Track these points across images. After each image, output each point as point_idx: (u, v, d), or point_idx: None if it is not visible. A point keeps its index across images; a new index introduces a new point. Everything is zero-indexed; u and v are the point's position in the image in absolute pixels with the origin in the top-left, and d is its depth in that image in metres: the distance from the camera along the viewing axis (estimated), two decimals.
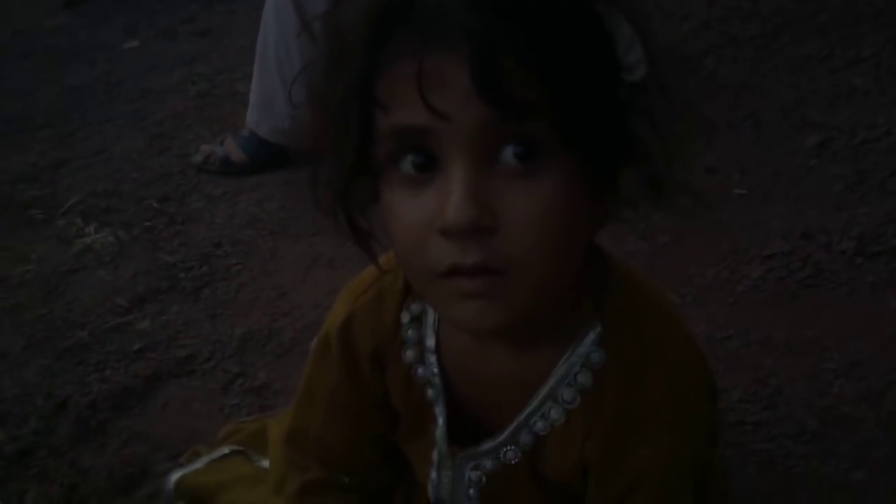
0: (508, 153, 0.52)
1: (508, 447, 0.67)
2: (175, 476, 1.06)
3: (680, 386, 0.64)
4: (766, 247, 1.36)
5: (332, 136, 0.57)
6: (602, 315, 0.63)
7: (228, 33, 2.76)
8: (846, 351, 1.13)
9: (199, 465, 1.07)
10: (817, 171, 1.52)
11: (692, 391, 0.65)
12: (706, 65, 1.94)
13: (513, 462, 0.68)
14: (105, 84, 2.60)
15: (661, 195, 0.57)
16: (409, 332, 0.69)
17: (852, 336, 1.16)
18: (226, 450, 1.07)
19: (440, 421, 0.70)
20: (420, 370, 0.70)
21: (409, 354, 0.69)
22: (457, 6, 0.51)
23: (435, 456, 0.71)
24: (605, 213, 0.59)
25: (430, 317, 0.69)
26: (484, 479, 0.70)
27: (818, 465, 0.99)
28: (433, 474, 0.72)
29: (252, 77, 1.88)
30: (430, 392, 0.70)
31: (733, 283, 1.31)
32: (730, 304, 1.28)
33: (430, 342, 0.69)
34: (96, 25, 3.13)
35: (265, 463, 1.02)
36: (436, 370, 0.69)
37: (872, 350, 1.13)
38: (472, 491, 0.71)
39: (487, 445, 0.68)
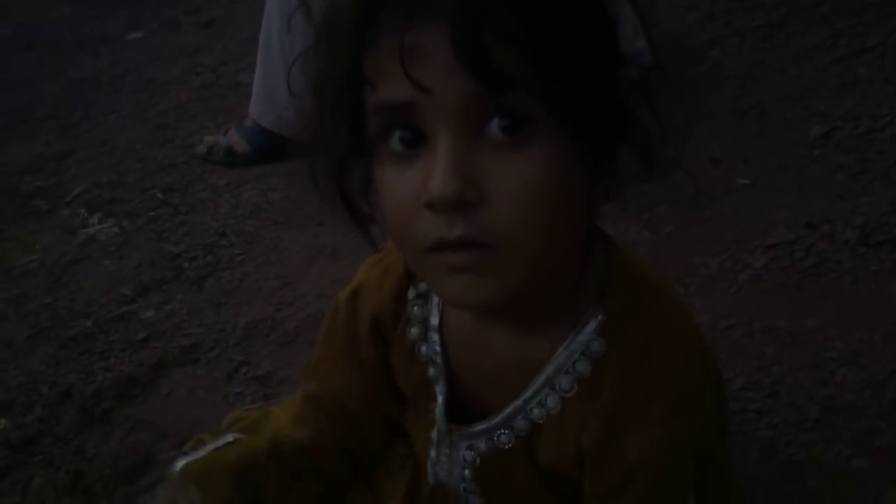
0: (494, 126, 0.52)
1: (502, 431, 0.67)
2: (180, 463, 1.06)
3: (681, 377, 0.63)
4: (770, 236, 1.35)
5: (327, 119, 0.57)
6: (604, 303, 0.63)
7: (232, 24, 2.76)
8: (849, 340, 1.13)
9: (203, 452, 1.07)
10: (821, 160, 1.51)
11: (693, 382, 0.64)
12: (711, 55, 1.93)
13: (507, 446, 0.68)
14: (109, 75, 2.61)
15: (656, 173, 0.58)
16: (415, 308, 0.70)
17: (855, 325, 1.15)
18: (230, 437, 1.08)
19: (440, 399, 0.70)
20: (423, 348, 0.70)
21: (414, 332, 0.70)
22: None
23: (434, 434, 0.72)
24: (605, 191, 0.58)
25: (436, 296, 0.69)
26: (478, 460, 0.70)
27: (820, 453, 0.99)
28: (432, 453, 0.73)
29: (255, 67, 1.88)
30: (431, 370, 0.70)
31: (736, 273, 1.31)
32: (733, 293, 1.27)
33: (434, 320, 0.70)
34: (100, 17, 3.13)
35: None
36: (438, 348, 0.69)
37: (875, 339, 1.12)
38: (466, 471, 0.71)
39: (481, 426, 0.68)
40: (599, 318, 0.63)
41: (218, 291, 1.53)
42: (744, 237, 1.37)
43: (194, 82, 2.41)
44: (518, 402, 0.66)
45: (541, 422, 0.65)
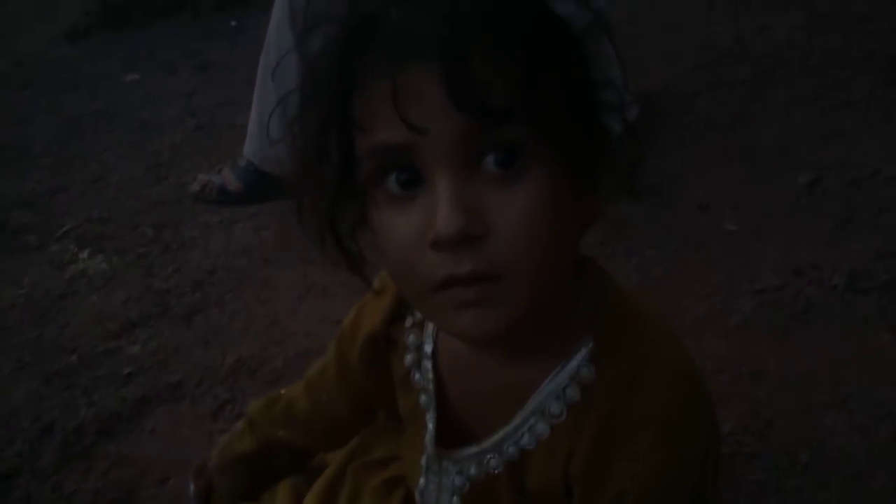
0: (490, 161, 0.53)
1: (492, 456, 0.67)
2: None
3: (670, 406, 0.62)
4: (758, 281, 1.36)
5: (313, 163, 0.58)
6: (595, 330, 0.63)
7: (229, 67, 2.80)
8: (838, 384, 1.13)
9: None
10: (808, 208, 1.53)
11: (684, 412, 0.63)
12: (698, 105, 1.98)
13: (495, 472, 0.67)
14: (104, 115, 2.63)
15: (635, 195, 0.59)
16: (411, 337, 0.71)
17: (844, 370, 1.16)
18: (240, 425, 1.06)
19: (430, 426, 0.70)
20: (417, 375, 0.71)
21: (409, 358, 0.71)
22: (424, 19, 0.52)
23: (423, 461, 0.72)
24: (591, 211, 0.60)
25: (431, 324, 0.70)
26: (468, 485, 0.69)
27: (810, 498, 0.98)
28: (421, 480, 0.73)
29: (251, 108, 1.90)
30: (423, 398, 0.70)
31: (725, 318, 1.32)
32: (722, 337, 1.28)
33: (428, 348, 0.70)
34: (98, 57, 3.17)
35: None
36: (430, 376, 0.69)
37: (863, 383, 1.13)
38: (455, 498, 0.70)
39: (471, 451, 0.68)
40: (590, 345, 0.63)
41: (206, 329, 1.52)
42: (732, 282, 1.38)
43: (189, 123, 2.43)
44: (508, 429, 0.66)
45: (530, 448, 0.65)
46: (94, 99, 2.78)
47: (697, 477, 0.64)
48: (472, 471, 0.68)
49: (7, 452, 1.24)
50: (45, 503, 1.14)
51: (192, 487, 1.04)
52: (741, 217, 1.54)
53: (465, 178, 0.53)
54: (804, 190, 1.58)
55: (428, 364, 0.70)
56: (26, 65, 3.21)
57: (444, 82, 0.50)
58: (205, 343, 1.48)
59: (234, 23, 3.26)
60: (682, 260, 1.44)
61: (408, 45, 0.51)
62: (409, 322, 0.71)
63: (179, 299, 1.60)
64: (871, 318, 1.24)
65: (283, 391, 0.94)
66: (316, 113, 0.57)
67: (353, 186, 0.57)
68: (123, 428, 1.28)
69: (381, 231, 0.57)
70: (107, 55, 3.17)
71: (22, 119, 2.66)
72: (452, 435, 0.70)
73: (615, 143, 0.58)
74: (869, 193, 1.53)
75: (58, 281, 1.72)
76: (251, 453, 0.94)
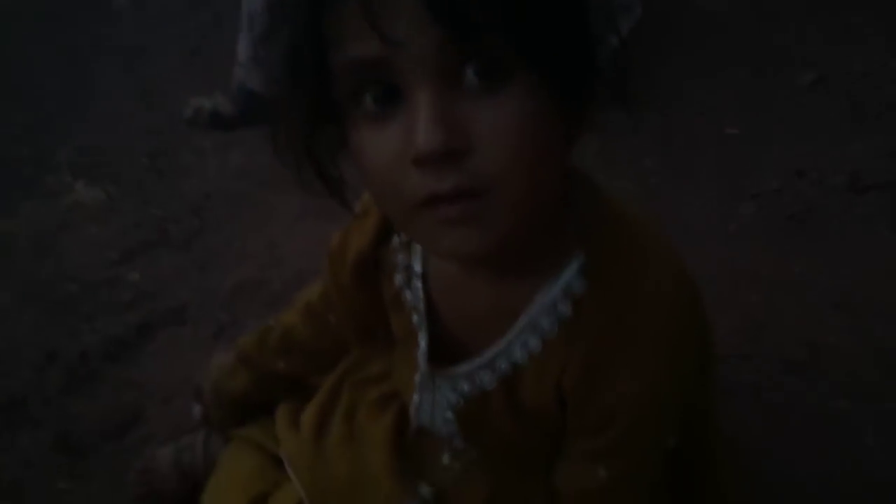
0: (469, 74, 0.50)
1: (484, 372, 0.67)
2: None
3: (664, 318, 0.61)
4: (758, 185, 1.34)
5: (286, 83, 0.56)
6: (586, 244, 0.62)
7: None
8: (836, 285, 1.13)
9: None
10: (811, 107, 1.49)
11: (678, 324, 0.62)
12: (701, 5, 1.91)
13: (489, 388, 0.67)
14: (95, 42, 2.57)
15: (629, 106, 0.56)
16: (400, 256, 0.70)
17: (842, 270, 1.15)
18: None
19: (422, 344, 0.70)
20: (408, 294, 0.70)
21: (398, 278, 0.71)
22: None
23: (417, 378, 0.72)
24: (581, 122, 0.57)
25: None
26: (462, 401, 0.70)
27: (804, 395, 0.99)
28: (416, 397, 0.73)
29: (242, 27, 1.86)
30: (415, 317, 0.70)
31: (724, 224, 1.30)
32: (722, 244, 1.27)
33: (417, 267, 0.70)
34: None
35: None
36: (420, 295, 0.69)
37: (862, 283, 1.12)
38: (448, 413, 0.71)
39: (464, 368, 0.68)
40: (581, 258, 0.62)
41: (204, 253, 1.52)
42: (732, 187, 1.36)
43: (182, 48, 2.38)
44: (500, 345, 0.66)
45: (522, 363, 0.65)
46: (85, 26, 2.72)
47: (687, 389, 0.65)
48: (466, 387, 0.69)
49: (14, 379, 1.26)
50: (54, 426, 1.17)
51: (196, 409, 1.06)
52: (742, 120, 1.51)
53: (444, 92, 0.50)
54: (807, 89, 1.54)
55: (418, 283, 0.69)
56: None
57: None
58: (203, 268, 1.48)
59: None
60: (682, 167, 1.42)
61: None
62: (396, 242, 0.70)
63: (177, 225, 1.60)
64: (871, 217, 1.22)
65: (272, 321, 0.95)
66: (286, 31, 0.54)
67: (328, 107, 0.55)
68: (127, 353, 1.30)
69: (360, 151, 0.55)
70: None
71: (11, 49, 2.61)
72: (445, 352, 0.70)
73: (608, 52, 0.55)
74: (872, 91, 1.48)
75: (55, 212, 1.72)
76: (247, 389, 0.95)
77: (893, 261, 1.14)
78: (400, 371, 0.78)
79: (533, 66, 0.51)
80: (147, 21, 2.65)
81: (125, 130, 1.99)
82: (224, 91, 1.93)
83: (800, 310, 1.10)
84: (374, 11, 0.48)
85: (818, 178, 1.31)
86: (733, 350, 1.06)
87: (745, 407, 0.99)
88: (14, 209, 1.73)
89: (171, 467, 1.04)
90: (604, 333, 0.61)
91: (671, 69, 1.65)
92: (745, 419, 0.97)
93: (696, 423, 0.70)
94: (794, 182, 1.32)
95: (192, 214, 1.62)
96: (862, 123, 1.41)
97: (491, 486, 0.75)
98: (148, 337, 1.34)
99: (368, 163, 0.55)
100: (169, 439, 1.09)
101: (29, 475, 1.10)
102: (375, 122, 0.53)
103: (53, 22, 2.82)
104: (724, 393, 1.00)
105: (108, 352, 1.31)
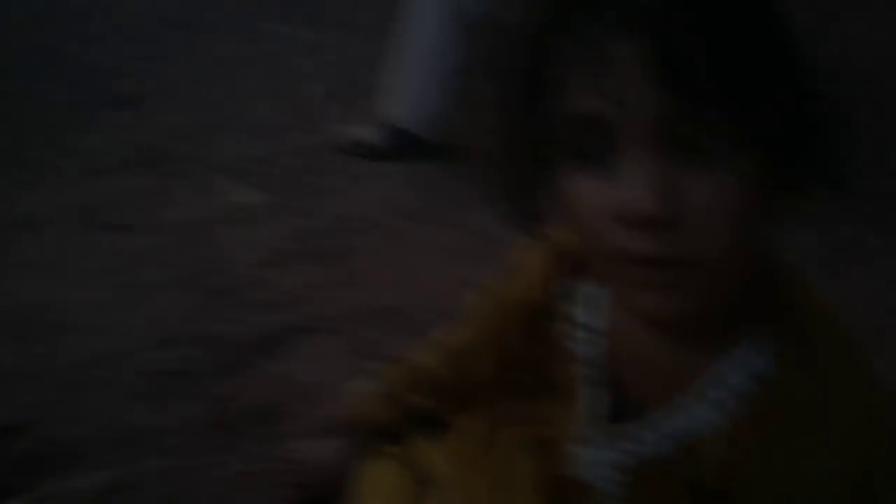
0: (686, 144, 0.52)
1: (654, 436, 0.66)
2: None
3: (854, 415, 0.60)
4: None
5: (503, 130, 0.59)
6: (776, 324, 0.62)
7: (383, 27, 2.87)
8: None
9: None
10: None
11: (864, 419, 0.61)
12: None
13: (659, 455, 0.66)
14: (253, 60, 2.73)
15: (840, 187, 0.56)
16: (570, 306, 0.71)
17: None
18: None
19: (590, 396, 0.70)
20: (575, 344, 0.70)
21: (567, 328, 0.71)
22: None
23: (579, 429, 0.71)
24: (783, 207, 0.58)
25: (590, 294, 0.70)
26: (628, 461, 0.69)
27: None
28: (578, 450, 0.72)
29: (396, 66, 1.96)
30: (580, 368, 0.70)
31: None
32: None
33: (588, 318, 0.70)
34: (246, 5, 3.28)
35: None
36: (590, 347, 0.69)
37: None
38: (610, 471, 0.70)
39: (632, 428, 0.67)
40: (768, 337, 0.62)
41: (351, 272, 1.57)
42: None
43: (340, 77, 2.50)
44: (675, 410, 0.65)
45: (697, 436, 0.64)
46: (243, 44, 2.89)
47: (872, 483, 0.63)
48: (629, 447, 0.68)
49: (172, 354, 1.31)
50: (201, 404, 1.21)
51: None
52: None
53: (659, 159, 0.52)
54: None
55: (588, 335, 0.70)
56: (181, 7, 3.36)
57: (650, 57, 0.49)
58: (349, 285, 1.53)
59: None
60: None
61: (618, 15, 0.51)
62: (566, 290, 0.71)
63: (328, 241, 1.66)
64: None
65: (414, 359, 0.94)
66: (512, 82, 0.57)
67: (542, 151, 0.58)
68: (279, 350, 1.34)
69: (568, 197, 0.57)
70: (259, 4, 3.28)
71: (173, 60, 2.78)
72: (613, 407, 0.69)
73: (822, 132, 0.55)
74: None
75: (211, 209, 1.81)
76: (391, 423, 0.95)
77: None
78: (558, 421, 0.76)
79: (750, 139, 0.52)
80: (301, 46, 2.80)
81: (284, 146, 2.09)
82: (376, 123, 2.02)
83: None
84: (604, 70, 0.51)
85: None
86: None
87: None
88: (174, 201, 1.82)
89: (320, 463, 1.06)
90: (793, 421, 0.60)
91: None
92: None
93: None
94: None
95: (344, 234, 1.69)
96: None
97: None
98: (296, 340, 1.38)
99: (577, 209, 0.57)
100: (306, 438, 1.12)
101: (177, 442, 1.13)
102: (585, 171, 0.55)
103: (217, 39, 3.00)
104: None
105: (257, 345, 1.36)
